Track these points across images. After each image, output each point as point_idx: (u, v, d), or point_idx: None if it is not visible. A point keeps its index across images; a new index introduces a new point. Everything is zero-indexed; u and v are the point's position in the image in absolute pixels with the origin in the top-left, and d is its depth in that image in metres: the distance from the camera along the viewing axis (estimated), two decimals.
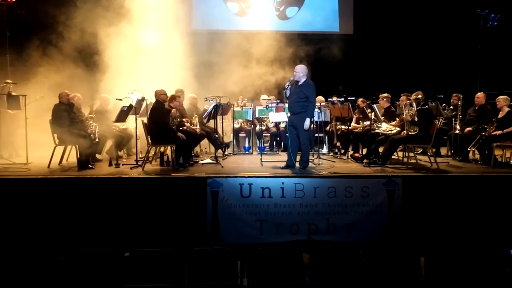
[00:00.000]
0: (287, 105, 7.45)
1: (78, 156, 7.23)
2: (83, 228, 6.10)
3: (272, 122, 9.47)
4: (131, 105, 7.50)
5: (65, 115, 7.38)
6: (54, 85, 8.47)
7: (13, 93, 8.00)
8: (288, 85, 7.25)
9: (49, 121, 7.46)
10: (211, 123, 8.60)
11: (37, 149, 7.84)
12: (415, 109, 7.35)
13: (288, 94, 7.26)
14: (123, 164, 7.47)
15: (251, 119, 9.57)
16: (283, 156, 8.03)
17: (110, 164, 7.39)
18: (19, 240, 5.86)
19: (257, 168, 7.24)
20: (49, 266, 4.64)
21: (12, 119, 8.29)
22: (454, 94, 8.80)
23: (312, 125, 7.70)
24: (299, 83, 7.12)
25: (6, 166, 7.28)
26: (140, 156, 7.72)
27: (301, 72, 7.11)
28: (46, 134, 7.53)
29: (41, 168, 7.14)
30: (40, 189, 6.23)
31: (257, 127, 9.59)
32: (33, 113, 7.94)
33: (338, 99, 9.27)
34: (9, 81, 8.35)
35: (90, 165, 7.20)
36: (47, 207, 6.14)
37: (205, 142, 9.07)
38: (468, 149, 7.80)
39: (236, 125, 9.55)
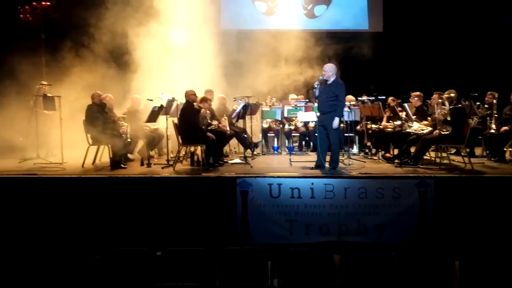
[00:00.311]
0: (316, 104, 7.40)
1: (111, 156, 7.38)
2: (117, 226, 6.22)
3: (301, 122, 9.43)
4: (162, 106, 7.61)
5: (98, 116, 7.55)
6: (87, 85, 8.65)
7: (49, 94, 8.24)
8: (317, 85, 7.19)
9: (82, 121, 7.63)
10: (240, 123, 8.64)
11: (70, 148, 8.04)
12: (448, 108, 7.18)
13: (317, 93, 7.21)
14: (154, 164, 7.59)
15: (279, 119, 9.56)
16: (312, 156, 8.00)
17: (142, 164, 7.52)
18: (55, 238, 6.02)
19: (286, 168, 7.23)
20: (84, 264, 4.76)
21: (47, 120, 8.53)
22: (489, 92, 8.58)
23: (342, 125, 7.63)
24: (328, 82, 7.06)
25: (43, 165, 7.50)
26: (171, 156, 7.81)
27: (330, 71, 7.05)
28: (80, 134, 7.71)
29: (76, 167, 7.33)
30: (75, 188, 6.40)
31: (286, 127, 9.56)
32: (67, 114, 8.15)
33: (368, 98, 9.15)
34: (45, 82, 8.60)
35: (122, 165, 7.34)
36: (81, 205, 6.29)
37: (234, 142, 9.10)
38: (504, 149, 7.59)
39: (265, 125, 9.56)
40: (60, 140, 7.94)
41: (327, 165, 7.11)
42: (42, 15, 10.21)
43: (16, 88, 8.97)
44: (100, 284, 4.68)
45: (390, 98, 8.70)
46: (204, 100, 7.81)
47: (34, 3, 9.99)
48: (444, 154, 7.63)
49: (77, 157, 7.62)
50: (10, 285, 4.60)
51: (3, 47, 9.68)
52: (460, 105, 7.37)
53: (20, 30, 10.07)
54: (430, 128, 7.56)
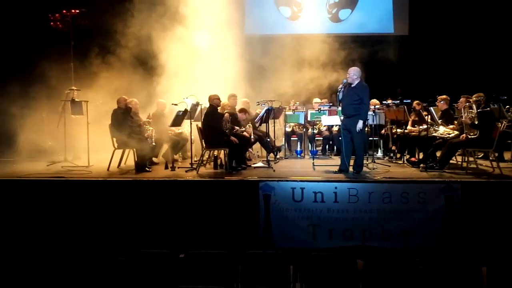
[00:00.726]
0: (340, 108, 7.36)
1: (136, 160, 7.49)
2: (141, 229, 6.30)
3: (324, 126, 9.38)
4: (186, 110, 7.70)
5: (124, 120, 7.68)
6: (114, 90, 8.83)
7: (76, 99, 8.44)
8: (341, 88, 7.15)
9: (108, 125, 7.78)
10: (263, 127, 8.66)
11: (96, 152, 8.20)
12: (475, 111, 7.03)
13: (340, 96, 7.16)
14: (178, 167, 7.66)
15: (303, 123, 9.53)
16: (336, 160, 7.94)
17: (166, 167, 7.61)
18: (80, 239, 6.14)
19: (309, 172, 7.20)
20: (109, 265, 4.85)
21: (74, 124, 8.73)
22: None
23: (366, 128, 7.55)
24: (352, 85, 7.01)
25: (70, 168, 7.68)
26: (195, 159, 7.88)
27: (354, 74, 7.00)
28: (105, 137, 7.85)
29: (101, 170, 7.47)
30: (100, 190, 6.52)
31: (309, 131, 9.53)
32: (93, 118, 8.33)
33: (393, 101, 9.03)
34: (74, 88, 8.81)
35: (147, 168, 7.43)
36: (107, 208, 6.40)
37: (257, 146, 9.12)
38: None
39: (288, 129, 9.55)
40: (86, 143, 8.12)
41: (351, 169, 7.05)
42: (72, 22, 10.47)
43: (46, 92, 9.24)
44: (124, 285, 4.76)
45: (415, 102, 8.57)
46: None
47: (64, 11, 10.26)
48: (471, 159, 7.45)
49: (103, 161, 7.77)
50: (36, 285, 4.73)
51: (34, 53, 9.98)
52: (488, 109, 7.19)
53: (50, 37, 10.36)
54: (456, 132, 7.41)
